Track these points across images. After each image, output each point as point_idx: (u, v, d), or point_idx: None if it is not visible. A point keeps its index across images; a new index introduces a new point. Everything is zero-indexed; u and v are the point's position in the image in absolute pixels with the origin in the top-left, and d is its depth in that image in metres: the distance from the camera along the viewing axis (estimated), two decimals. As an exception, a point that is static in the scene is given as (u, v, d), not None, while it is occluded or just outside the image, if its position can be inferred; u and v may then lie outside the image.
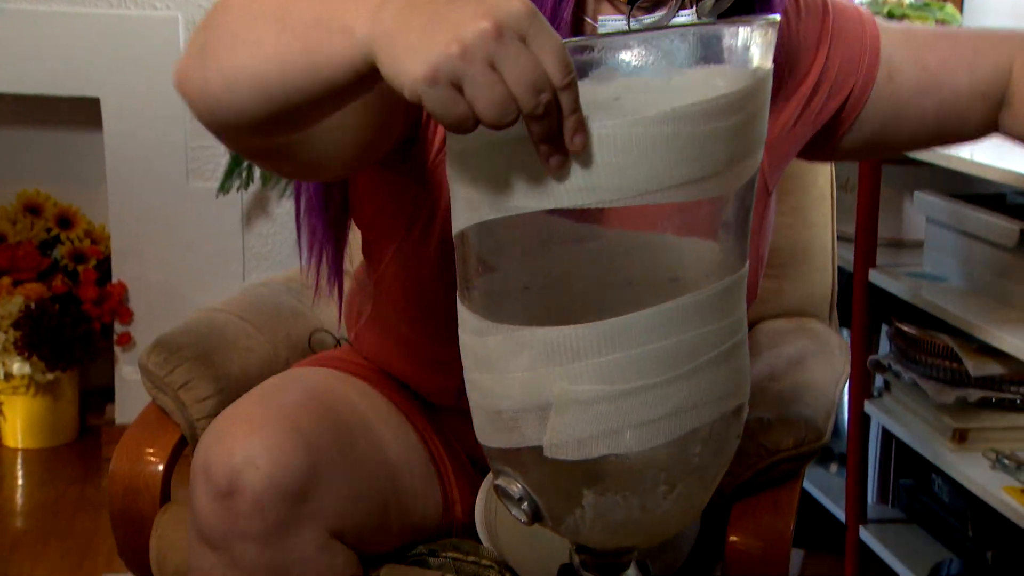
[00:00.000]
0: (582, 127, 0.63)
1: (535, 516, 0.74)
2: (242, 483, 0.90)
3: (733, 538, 1.08)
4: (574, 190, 0.65)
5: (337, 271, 1.03)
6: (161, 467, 1.20)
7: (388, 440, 1.04)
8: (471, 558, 1.07)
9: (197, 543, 0.94)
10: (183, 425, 1.23)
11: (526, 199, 0.66)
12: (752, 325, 1.36)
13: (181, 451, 1.24)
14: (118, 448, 1.22)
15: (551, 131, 0.63)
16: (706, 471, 0.74)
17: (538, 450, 0.71)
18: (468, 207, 0.69)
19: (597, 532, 0.74)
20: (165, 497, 1.21)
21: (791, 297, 1.37)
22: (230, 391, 1.22)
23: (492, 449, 0.75)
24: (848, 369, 1.29)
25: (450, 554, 1.08)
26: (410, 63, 0.61)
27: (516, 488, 0.74)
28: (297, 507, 0.92)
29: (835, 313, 1.39)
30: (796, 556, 1.29)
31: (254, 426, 0.92)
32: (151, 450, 1.21)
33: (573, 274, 0.73)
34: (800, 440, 1.11)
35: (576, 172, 0.65)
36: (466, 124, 0.62)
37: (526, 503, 0.74)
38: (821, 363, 1.25)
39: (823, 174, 1.39)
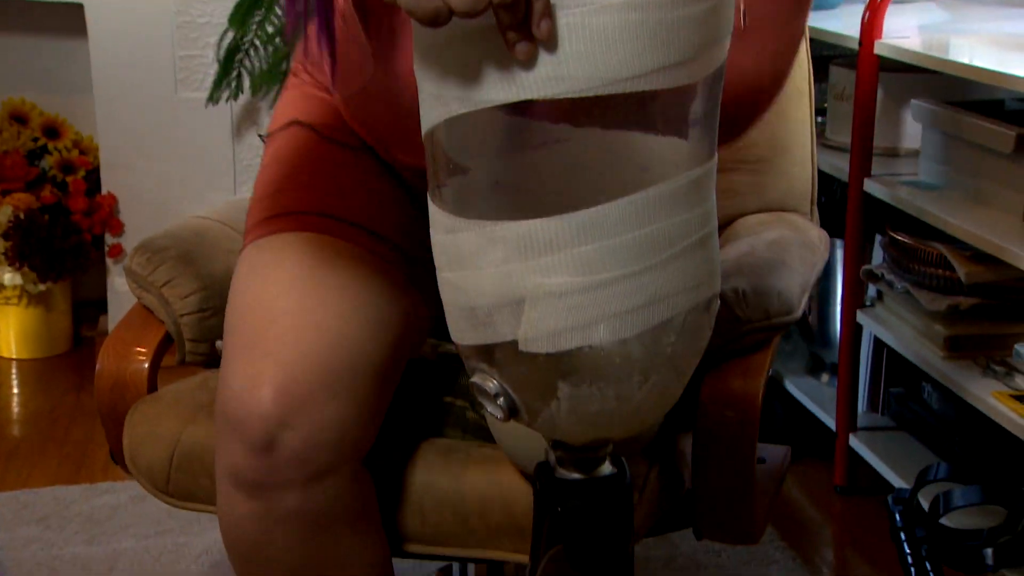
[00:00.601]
0: (548, 13, 0.64)
1: (511, 412, 0.74)
2: (280, 441, 0.92)
3: (704, 403, 1.10)
4: (542, 80, 0.66)
5: (327, 22, 0.92)
6: (147, 364, 1.22)
7: (386, 315, 1.00)
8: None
9: (231, 490, 0.96)
10: (168, 323, 1.25)
11: (495, 91, 0.67)
12: (732, 220, 1.36)
13: (167, 348, 1.26)
14: (104, 347, 1.23)
15: (517, 19, 0.64)
16: (679, 361, 0.74)
17: (513, 345, 0.71)
18: (437, 103, 0.69)
19: (573, 425, 0.74)
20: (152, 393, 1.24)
21: (771, 192, 1.37)
22: (213, 289, 1.25)
23: (467, 347, 0.75)
24: (826, 256, 1.30)
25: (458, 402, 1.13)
26: None
27: (492, 384, 0.74)
28: (334, 453, 0.94)
29: (815, 208, 1.39)
30: (780, 451, 1.30)
31: (277, 386, 0.93)
32: (137, 348, 1.22)
33: (543, 170, 0.72)
34: (772, 312, 1.13)
35: (544, 61, 0.65)
36: (441, 17, 0.64)
37: (502, 399, 0.74)
38: (800, 248, 1.26)
39: (799, 70, 1.38)
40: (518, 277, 0.70)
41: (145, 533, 1.78)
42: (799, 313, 1.16)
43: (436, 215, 0.74)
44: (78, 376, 2.37)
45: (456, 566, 1.31)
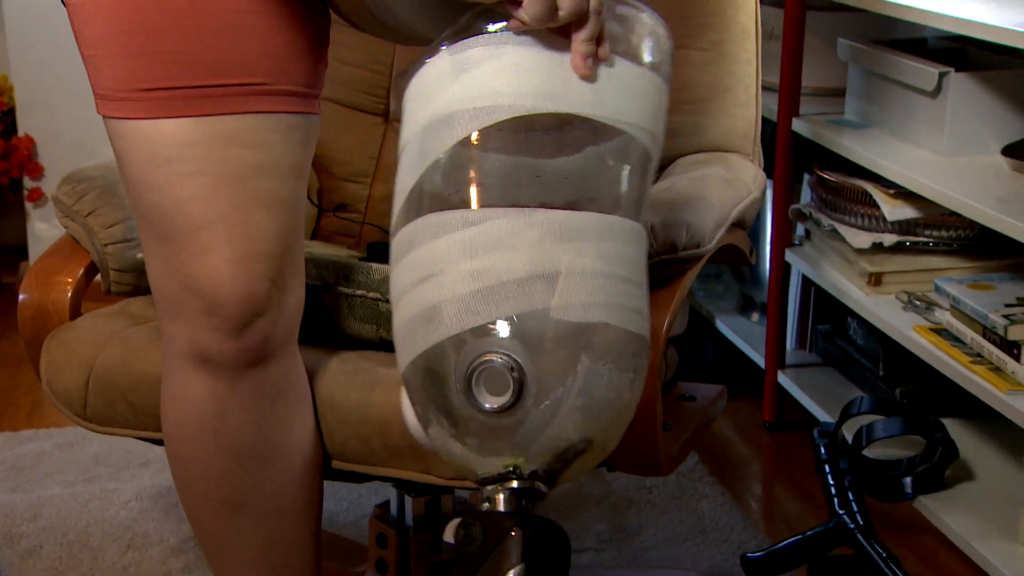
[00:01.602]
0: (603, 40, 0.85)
1: (517, 393, 0.79)
2: (253, 325, 0.99)
3: None
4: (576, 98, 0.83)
5: None
6: (70, 292, 1.22)
7: (302, 187, 1.02)
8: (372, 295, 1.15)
9: (191, 370, 1.02)
10: (92, 252, 1.25)
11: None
12: (671, 160, 1.36)
13: (91, 278, 1.26)
14: (28, 275, 1.25)
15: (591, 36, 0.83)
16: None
17: (544, 313, 0.80)
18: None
19: (576, 412, 0.81)
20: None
21: (711, 132, 1.37)
22: None
23: (480, 327, 0.80)
24: (757, 196, 1.30)
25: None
26: None
27: (501, 359, 0.79)
28: (288, 333, 1.03)
29: (758, 148, 1.39)
30: (712, 390, 1.32)
31: (257, 273, 0.98)
32: (61, 276, 1.23)
33: (572, 171, 0.85)
34: (681, 243, 1.13)
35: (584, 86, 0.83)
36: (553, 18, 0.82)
37: (515, 372, 0.79)
38: (722, 184, 1.26)
39: (744, 11, 1.37)
40: (552, 255, 0.81)
41: (72, 480, 1.75)
42: (710, 247, 1.16)
43: (445, 217, 0.83)
44: (0, 323, 2.31)
45: (393, 501, 1.31)
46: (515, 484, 0.81)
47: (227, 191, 0.96)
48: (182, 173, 0.96)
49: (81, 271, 1.25)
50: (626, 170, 0.86)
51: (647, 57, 0.88)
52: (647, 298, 0.87)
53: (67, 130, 2.33)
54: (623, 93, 0.85)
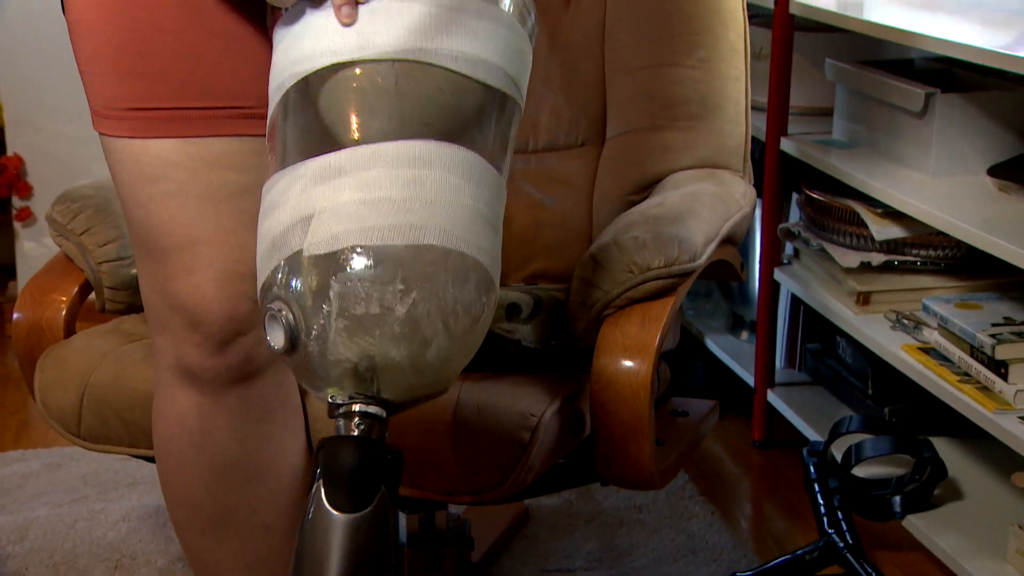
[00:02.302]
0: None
1: (292, 337, 0.85)
2: (236, 342, 1.01)
3: (600, 348, 1.12)
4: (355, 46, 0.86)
5: None
6: (64, 311, 1.24)
7: None
8: None
9: (177, 385, 1.03)
10: (87, 270, 1.27)
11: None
12: (662, 177, 1.37)
13: (86, 296, 1.28)
14: (22, 293, 1.27)
15: None
16: (442, 297, 0.85)
17: (298, 255, 0.85)
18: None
19: (343, 336, 0.84)
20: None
21: (701, 149, 1.38)
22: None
23: (265, 281, 0.87)
24: (747, 212, 1.30)
25: None
26: None
27: (275, 305, 0.86)
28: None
29: (748, 165, 1.40)
30: (704, 405, 1.32)
31: (241, 292, 1.00)
32: (55, 295, 1.25)
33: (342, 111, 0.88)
34: (672, 259, 1.14)
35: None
36: None
37: (285, 314, 0.85)
38: (713, 200, 1.27)
39: (734, 28, 1.38)
40: (311, 199, 0.85)
41: (59, 501, 1.75)
42: (701, 262, 1.17)
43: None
44: (-12, 344, 2.31)
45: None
46: (341, 411, 0.87)
47: (211, 211, 0.97)
48: (166, 192, 0.97)
49: (75, 289, 1.26)
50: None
51: None
52: (432, 207, 0.86)
53: (55, 149, 2.33)
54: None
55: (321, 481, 0.86)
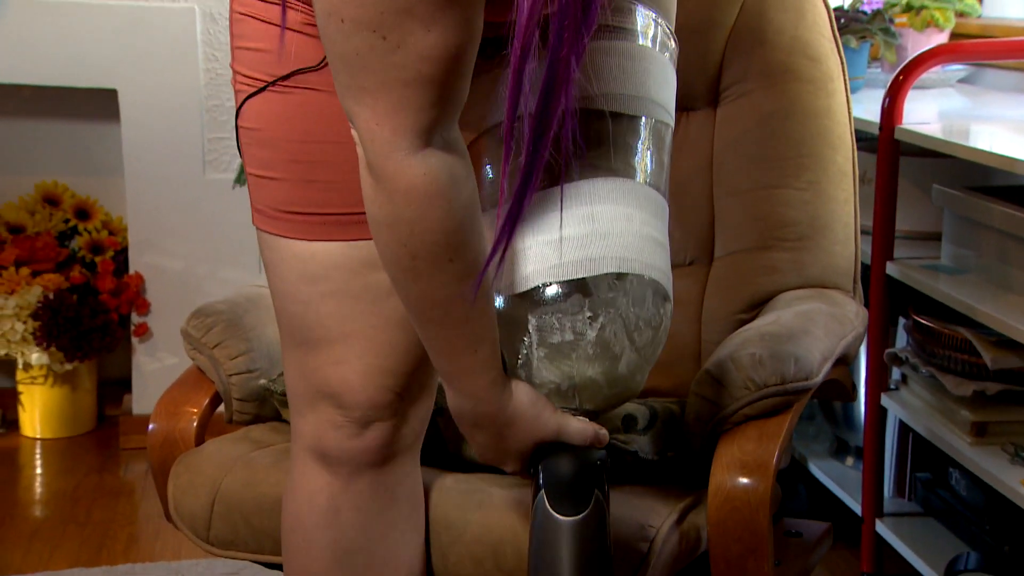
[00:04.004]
0: None
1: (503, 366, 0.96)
2: (374, 427, 1.06)
3: (717, 465, 1.11)
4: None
5: None
6: (195, 422, 1.28)
7: None
8: None
9: (311, 463, 1.08)
10: (217, 383, 1.32)
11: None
12: (772, 295, 1.37)
13: (215, 408, 1.32)
14: (157, 405, 1.31)
15: None
16: (627, 317, 0.96)
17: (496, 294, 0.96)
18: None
19: (544, 362, 0.95)
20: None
21: (810, 269, 1.39)
22: (261, 351, 1.32)
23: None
24: (861, 332, 1.30)
25: None
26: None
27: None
28: (410, 439, 1.09)
29: (859, 286, 1.40)
30: (818, 528, 1.29)
31: (383, 383, 1.05)
32: (188, 406, 1.30)
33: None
34: (788, 377, 1.14)
35: None
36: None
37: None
38: (828, 319, 1.27)
39: (842, 152, 1.40)
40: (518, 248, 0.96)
41: (165, 615, 1.77)
42: (818, 380, 1.16)
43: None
44: (101, 456, 2.37)
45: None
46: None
47: (364, 310, 1.02)
48: (326, 291, 1.03)
49: (206, 401, 1.31)
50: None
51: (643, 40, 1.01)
52: (606, 239, 0.97)
53: (173, 267, 2.43)
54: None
55: (544, 492, 0.97)
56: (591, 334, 0.95)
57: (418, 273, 0.91)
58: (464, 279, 0.92)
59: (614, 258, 0.95)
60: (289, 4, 0.97)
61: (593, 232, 0.95)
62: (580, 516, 0.96)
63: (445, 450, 1.23)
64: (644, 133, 1.00)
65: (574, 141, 0.89)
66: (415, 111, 0.86)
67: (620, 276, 0.95)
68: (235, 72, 1.04)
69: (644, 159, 1.00)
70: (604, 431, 0.99)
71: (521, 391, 0.97)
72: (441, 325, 0.94)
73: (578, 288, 0.95)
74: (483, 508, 1.13)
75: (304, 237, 1.02)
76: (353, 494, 1.07)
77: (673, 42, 1.03)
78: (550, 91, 0.82)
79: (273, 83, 1.00)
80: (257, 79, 1.01)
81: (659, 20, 1.02)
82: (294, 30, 0.98)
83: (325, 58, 0.95)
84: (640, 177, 0.99)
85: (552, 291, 0.94)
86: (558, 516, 0.96)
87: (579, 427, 0.98)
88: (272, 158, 1.03)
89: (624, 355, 0.96)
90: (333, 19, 0.84)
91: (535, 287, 0.95)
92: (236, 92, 1.04)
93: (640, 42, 0.99)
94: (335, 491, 1.07)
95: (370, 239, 0.99)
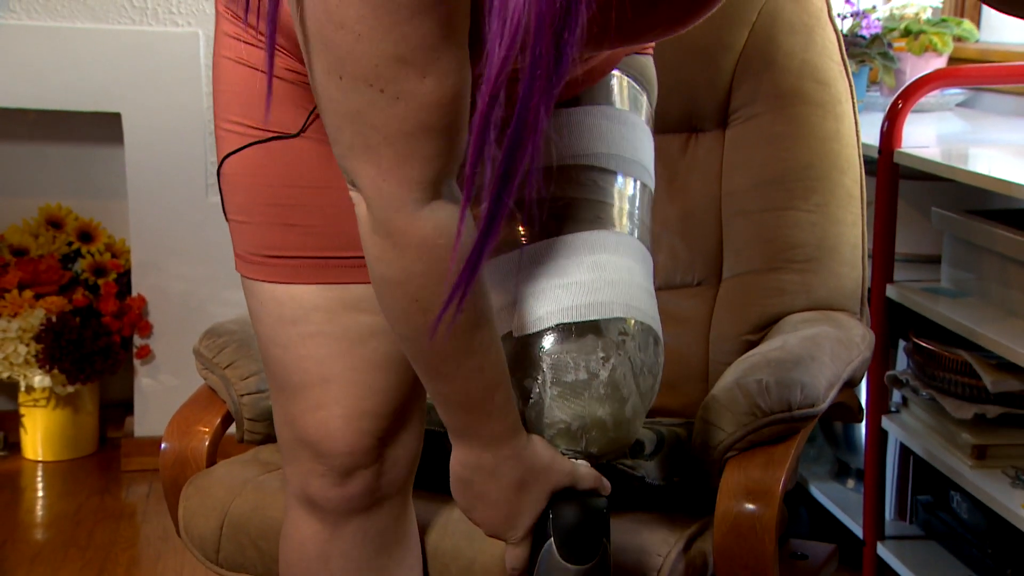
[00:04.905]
0: None
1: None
2: (358, 474, 1.05)
3: (724, 490, 1.12)
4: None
5: None
6: (207, 441, 1.29)
7: None
8: None
9: (300, 511, 1.08)
10: (229, 402, 1.32)
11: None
12: (778, 317, 1.38)
13: (227, 427, 1.33)
14: (169, 424, 1.31)
15: None
16: (634, 361, 0.99)
17: (509, 335, 0.97)
18: None
19: (557, 401, 0.96)
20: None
21: (818, 291, 1.39)
22: None
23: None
24: (867, 356, 1.30)
25: None
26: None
27: None
28: (398, 483, 1.08)
29: (866, 308, 1.40)
30: (824, 549, 1.29)
31: (363, 428, 1.04)
32: (199, 426, 1.30)
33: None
34: (795, 403, 1.15)
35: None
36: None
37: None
38: (834, 344, 1.28)
39: (850, 175, 1.41)
40: (510, 287, 0.98)
41: (166, 639, 1.76)
42: (823, 407, 1.17)
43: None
44: (103, 479, 2.37)
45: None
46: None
47: (344, 352, 1.02)
48: (305, 334, 1.02)
49: (218, 421, 1.31)
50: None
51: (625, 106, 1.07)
52: (613, 287, 1.01)
53: (175, 289, 2.43)
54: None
55: (553, 540, 0.97)
56: (604, 374, 0.96)
57: (430, 327, 0.90)
58: (476, 328, 0.91)
59: (622, 304, 0.98)
60: (277, 48, 0.97)
61: (601, 279, 0.98)
62: (590, 565, 0.96)
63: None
64: (637, 193, 1.05)
65: (539, 189, 0.92)
66: (420, 162, 0.85)
67: (626, 322, 0.98)
68: (219, 117, 1.04)
69: (636, 217, 1.05)
70: (606, 481, 0.99)
71: (534, 438, 0.97)
72: (454, 378, 0.92)
73: (591, 330, 0.96)
74: (480, 541, 1.13)
75: (281, 280, 1.02)
76: (341, 541, 1.06)
77: (646, 98, 1.09)
78: (518, 139, 0.80)
79: (264, 141, 1.00)
80: (242, 124, 1.01)
81: (635, 85, 1.09)
82: (279, 77, 0.98)
83: (306, 123, 0.96)
84: (637, 233, 1.04)
85: (568, 331, 0.96)
86: (567, 564, 0.96)
87: (590, 471, 0.98)
88: (249, 202, 1.03)
89: (631, 399, 0.98)
90: (332, 78, 0.83)
91: (550, 326, 0.96)
92: (219, 138, 1.04)
93: (626, 108, 1.06)
94: (323, 539, 1.07)
95: (347, 283, 1.01)
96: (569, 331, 0.96)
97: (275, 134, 0.99)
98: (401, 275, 0.89)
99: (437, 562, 1.15)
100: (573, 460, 0.98)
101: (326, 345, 1.02)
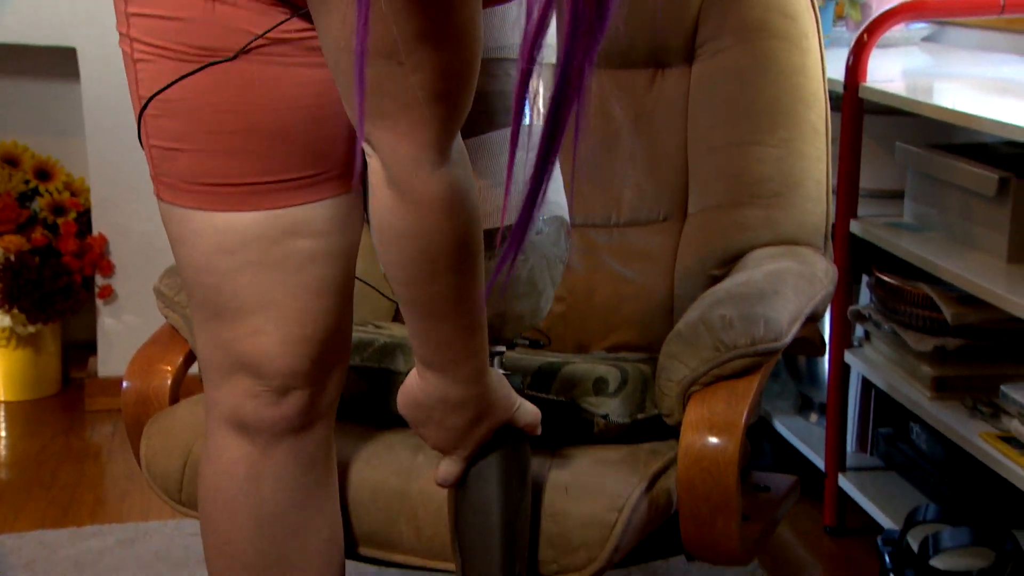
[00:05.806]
0: None
1: None
2: (292, 395, 1.06)
3: (688, 425, 1.13)
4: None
5: None
6: (169, 380, 1.29)
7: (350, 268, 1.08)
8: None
9: (229, 434, 1.08)
10: (191, 341, 1.30)
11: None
12: (743, 253, 1.39)
13: (190, 365, 1.32)
14: (131, 363, 1.31)
15: None
16: (548, 259, 1.06)
17: None
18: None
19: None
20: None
21: (782, 226, 1.40)
22: None
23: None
24: (830, 290, 1.32)
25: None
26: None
27: None
28: (327, 406, 1.09)
29: (830, 243, 1.41)
30: (785, 481, 1.31)
31: (301, 351, 1.05)
32: (162, 364, 1.30)
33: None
34: (758, 338, 1.15)
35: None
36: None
37: None
38: (797, 279, 1.29)
39: (815, 110, 1.41)
40: None
41: (133, 577, 1.77)
42: (787, 341, 1.18)
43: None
44: (67, 419, 2.36)
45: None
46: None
47: (283, 280, 1.02)
48: (244, 263, 1.02)
49: (180, 359, 1.31)
50: None
51: None
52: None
53: (137, 229, 2.40)
54: None
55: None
56: (523, 273, 1.03)
57: (435, 277, 0.94)
58: (479, 277, 0.96)
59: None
60: None
61: (516, 178, 0.97)
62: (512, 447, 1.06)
63: (380, 403, 1.24)
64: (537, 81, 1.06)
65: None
66: (436, 126, 0.88)
67: (540, 219, 1.03)
68: (131, 39, 1.00)
69: (537, 104, 1.05)
70: (539, 423, 1.08)
71: (493, 374, 1.03)
72: (447, 318, 0.96)
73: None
74: (404, 475, 1.15)
75: (222, 208, 1.00)
76: (272, 462, 1.07)
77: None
78: (562, 99, 0.83)
79: (222, 61, 0.97)
80: (167, 48, 0.98)
81: None
82: (220, 1, 0.96)
83: (247, 45, 0.95)
84: (539, 121, 1.03)
85: (490, 236, 0.99)
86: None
87: (531, 407, 1.07)
88: (189, 129, 1.00)
89: (545, 291, 1.06)
90: (346, 53, 0.84)
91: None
92: (135, 61, 1.01)
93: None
94: (254, 460, 1.07)
95: (288, 207, 1.00)
96: (491, 236, 0.99)
97: (220, 59, 0.97)
98: (414, 227, 0.92)
99: (363, 492, 1.16)
100: (520, 397, 1.05)
101: (265, 273, 1.02)
